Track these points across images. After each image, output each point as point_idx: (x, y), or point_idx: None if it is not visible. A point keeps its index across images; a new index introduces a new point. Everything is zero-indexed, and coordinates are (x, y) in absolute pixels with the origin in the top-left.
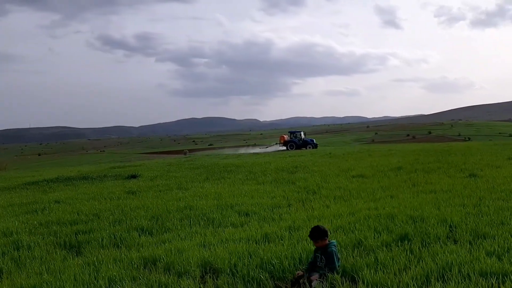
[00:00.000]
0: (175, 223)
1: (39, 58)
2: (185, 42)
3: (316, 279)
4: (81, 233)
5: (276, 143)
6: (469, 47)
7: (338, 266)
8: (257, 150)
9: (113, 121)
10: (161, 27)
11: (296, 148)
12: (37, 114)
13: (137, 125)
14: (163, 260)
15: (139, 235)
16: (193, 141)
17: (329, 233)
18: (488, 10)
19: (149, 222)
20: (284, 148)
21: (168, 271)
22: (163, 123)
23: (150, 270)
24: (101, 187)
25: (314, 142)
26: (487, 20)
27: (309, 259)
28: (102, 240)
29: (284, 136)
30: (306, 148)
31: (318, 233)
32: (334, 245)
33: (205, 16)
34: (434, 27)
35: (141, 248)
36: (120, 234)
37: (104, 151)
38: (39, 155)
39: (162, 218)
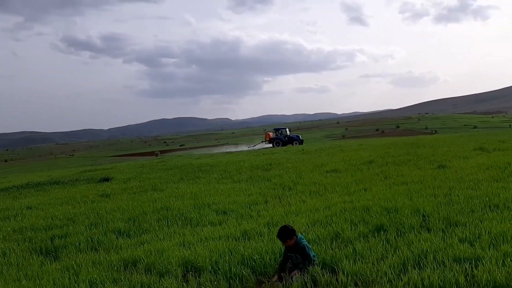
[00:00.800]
0: (153, 224)
1: (2, 61)
2: (152, 42)
3: (296, 274)
4: (57, 238)
5: (262, 141)
6: (433, 42)
7: (314, 256)
8: (244, 148)
9: (81, 124)
10: (127, 27)
11: (282, 145)
12: (1, 119)
13: (106, 128)
14: (144, 261)
15: (116, 237)
16: (164, 142)
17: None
18: (450, 5)
19: (126, 224)
20: (270, 145)
21: (149, 272)
22: (133, 124)
23: (131, 271)
24: (73, 191)
25: (300, 138)
26: (449, 15)
27: (279, 261)
28: (79, 244)
29: (270, 133)
30: (293, 144)
31: (287, 233)
32: (303, 239)
33: (172, 15)
34: (399, 23)
35: (120, 250)
36: (97, 237)
37: (73, 155)
38: (5, 161)
39: (139, 220)
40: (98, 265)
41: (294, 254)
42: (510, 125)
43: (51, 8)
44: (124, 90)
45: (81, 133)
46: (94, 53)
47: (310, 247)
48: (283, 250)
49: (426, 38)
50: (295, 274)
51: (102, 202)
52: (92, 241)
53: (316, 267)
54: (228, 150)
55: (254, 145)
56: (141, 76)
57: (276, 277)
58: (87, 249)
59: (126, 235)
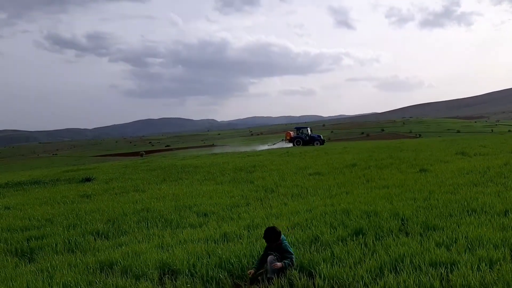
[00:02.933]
0: (132, 225)
1: None
2: (138, 42)
3: (277, 265)
4: (33, 239)
5: (282, 140)
6: (418, 47)
7: (292, 253)
8: (265, 147)
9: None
10: (113, 26)
11: (303, 144)
12: None
13: (91, 127)
14: (120, 263)
15: (94, 239)
16: (150, 142)
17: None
18: (435, 11)
19: (105, 226)
20: (291, 144)
21: (126, 274)
22: (118, 124)
23: (107, 274)
24: (53, 191)
25: (322, 138)
26: (434, 20)
27: (258, 257)
28: (56, 245)
29: (290, 132)
30: (314, 144)
31: (274, 235)
32: (285, 239)
33: (159, 15)
34: (385, 27)
35: (97, 252)
36: (75, 238)
37: (56, 154)
38: None
39: (118, 221)
40: (73, 268)
41: (275, 253)
42: (492, 130)
43: (36, 5)
44: (109, 89)
45: (65, 132)
46: (80, 52)
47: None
48: (262, 251)
49: (412, 42)
50: (276, 265)
51: (82, 202)
52: (69, 242)
53: (293, 270)
54: (243, 150)
55: (274, 144)
56: (127, 76)
57: (252, 272)
58: (64, 250)
59: (105, 237)
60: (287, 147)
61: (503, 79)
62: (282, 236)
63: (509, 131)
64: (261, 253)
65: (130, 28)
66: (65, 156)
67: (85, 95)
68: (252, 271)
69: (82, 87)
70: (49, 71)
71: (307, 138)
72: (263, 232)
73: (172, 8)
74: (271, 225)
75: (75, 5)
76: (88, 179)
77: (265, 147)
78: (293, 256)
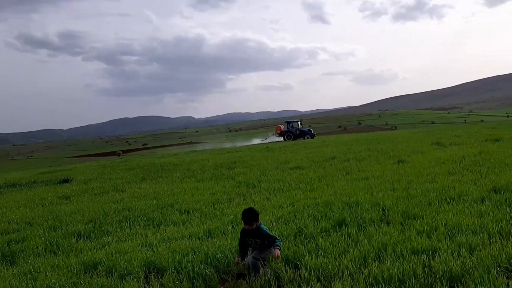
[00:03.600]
0: (114, 225)
1: None
2: (112, 40)
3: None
4: (14, 242)
5: (273, 134)
6: (392, 40)
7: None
8: (256, 142)
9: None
10: (86, 24)
11: (293, 139)
12: None
13: (66, 128)
14: (104, 263)
15: (76, 240)
16: (127, 141)
17: None
18: (408, 4)
19: (86, 226)
20: (281, 138)
21: (111, 274)
22: (94, 124)
23: (91, 274)
24: (31, 193)
25: (312, 132)
26: (407, 14)
27: (237, 246)
28: (37, 248)
29: (281, 126)
30: (304, 138)
31: (253, 215)
32: (262, 224)
33: (132, 12)
34: (359, 21)
35: (80, 253)
36: (56, 240)
37: (31, 156)
38: None
39: (100, 222)
40: (57, 269)
41: (254, 240)
42: (465, 120)
43: (5, 5)
44: (84, 89)
45: (39, 134)
46: (52, 51)
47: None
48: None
49: (386, 36)
50: (277, 254)
51: (62, 204)
52: (51, 244)
53: (279, 263)
54: (240, 145)
55: (266, 138)
56: (101, 75)
57: (239, 259)
58: (46, 253)
59: (87, 238)
60: (278, 141)
61: (474, 70)
62: (260, 221)
63: (482, 120)
64: (239, 239)
65: (103, 26)
66: (40, 158)
67: (59, 95)
68: (239, 258)
69: (56, 87)
70: (22, 71)
71: (298, 132)
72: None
73: (146, 4)
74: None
75: (46, 4)
76: (66, 180)
77: (257, 141)
78: (274, 237)
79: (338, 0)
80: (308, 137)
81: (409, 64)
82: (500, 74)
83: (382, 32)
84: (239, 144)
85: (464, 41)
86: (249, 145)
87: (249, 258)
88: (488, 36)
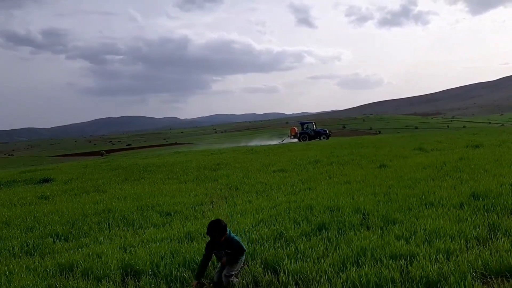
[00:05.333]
0: (93, 226)
1: None
2: (96, 39)
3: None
4: None
5: (289, 136)
6: (378, 45)
7: (244, 249)
8: (275, 142)
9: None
10: (70, 22)
11: (309, 139)
12: None
13: (48, 127)
14: (81, 265)
15: (54, 241)
16: (110, 141)
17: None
18: (393, 10)
19: (64, 227)
20: (296, 140)
21: (87, 276)
22: (77, 123)
23: (67, 276)
24: (10, 193)
25: (327, 132)
26: (393, 19)
27: (199, 263)
28: (13, 248)
29: (295, 128)
30: (320, 139)
31: (220, 229)
32: (231, 233)
33: (117, 11)
34: (345, 25)
35: (56, 255)
36: (33, 241)
37: (13, 155)
38: None
39: (78, 223)
40: (32, 271)
41: (224, 251)
42: (448, 126)
43: None
44: (67, 87)
45: (21, 132)
46: (35, 49)
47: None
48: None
49: (371, 41)
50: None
51: (41, 204)
52: (27, 245)
53: (258, 267)
54: (253, 144)
55: (283, 140)
56: (85, 73)
57: (195, 283)
58: (22, 254)
59: (64, 239)
60: (293, 143)
61: (458, 76)
62: (229, 230)
63: (464, 127)
64: (204, 253)
65: (87, 24)
66: (22, 157)
67: (42, 93)
68: (195, 282)
69: (38, 85)
70: (3, 68)
71: (313, 133)
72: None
73: (131, 3)
74: (236, 223)
75: (29, 0)
76: (46, 180)
77: (274, 142)
78: (243, 256)
79: (325, 4)
80: (324, 138)
81: (394, 70)
82: (482, 81)
83: (368, 37)
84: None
85: (448, 48)
86: (263, 145)
87: (219, 276)
88: (471, 44)
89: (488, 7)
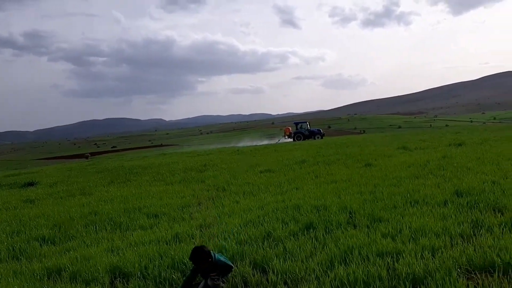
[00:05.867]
0: (80, 230)
1: None
2: (80, 40)
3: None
4: None
5: (283, 136)
6: (361, 45)
7: (232, 266)
8: (265, 142)
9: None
10: (53, 24)
11: (303, 139)
12: None
13: (32, 129)
14: (69, 269)
15: (40, 245)
16: (95, 143)
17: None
18: (376, 11)
19: (50, 231)
20: (290, 140)
21: (75, 280)
22: (62, 126)
23: (55, 280)
24: None
25: (321, 132)
26: (376, 20)
27: (183, 282)
28: None
29: (289, 127)
30: (314, 138)
31: (203, 256)
32: (216, 255)
33: (100, 13)
34: (329, 26)
35: (43, 259)
36: (19, 245)
37: None
38: None
39: (65, 226)
40: (19, 275)
41: (208, 274)
42: (430, 125)
43: None
44: (50, 89)
45: (4, 135)
46: (17, 51)
47: (226, 258)
48: (216, 252)
49: (355, 41)
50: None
51: (26, 208)
52: (13, 249)
53: (246, 267)
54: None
55: (279, 140)
56: (69, 76)
57: None
58: (8, 258)
59: (51, 243)
60: (288, 142)
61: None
62: (214, 254)
63: (447, 125)
64: (188, 275)
65: (70, 26)
66: (6, 160)
67: (25, 96)
68: None
69: (21, 88)
70: None
71: (307, 132)
72: (216, 230)
73: (114, 5)
74: (224, 224)
75: (10, 2)
76: (31, 184)
77: (266, 142)
78: (231, 267)
79: (309, 5)
80: (318, 137)
81: (377, 70)
82: (464, 80)
83: (351, 37)
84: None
85: (430, 48)
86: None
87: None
88: (452, 44)
89: (469, 8)
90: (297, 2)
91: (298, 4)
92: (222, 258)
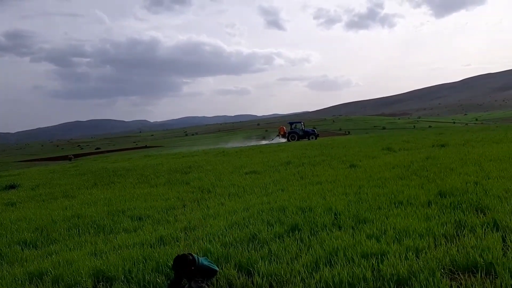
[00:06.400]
0: (62, 233)
1: None
2: (62, 41)
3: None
4: None
5: (277, 135)
6: (346, 47)
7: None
8: (253, 143)
9: None
10: (35, 24)
11: (298, 139)
12: None
13: (13, 131)
14: (51, 273)
15: (22, 249)
16: (79, 145)
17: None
18: (360, 12)
19: (32, 235)
20: (285, 140)
21: (57, 284)
22: (44, 127)
23: (37, 284)
24: None
25: (316, 132)
26: (360, 22)
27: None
28: None
29: (283, 127)
30: (309, 139)
31: (187, 264)
32: (200, 260)
33: (83, 12)
34: (314, 28)
35: (25, 263)
36: (0, 249)
37: None
38: None
39: (47, 229)
40: (0, 280)
41: (193, 277)
42: (414, 126)
43: None
44: (33, 90)
45: None
46: None
47: (211, 262)
48: (200, 255)
49: (339, 43)
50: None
51: (7, 211)
52: None
53: (232, 270)
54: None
55: (272, 139)
56: (51, 76)
57: None
58: None
59: (33, 246)
60: (282, 143)
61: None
62: (198, 257)
63: (430, 126)
64: (172, 279)
65: (53, 26)
66: None
67: (6, 97)
68: None
69: (3, 89)
70: None
71: (302, 132)
72: (200, 233)
73: (97, 5)
74: (209, 226)
75: None
76: (12, 186)
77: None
78: (216, 270)
79: (294, 7)
80: (312, 138)
81: (362, 71)
82: (446, 82)
83: (336, 39)
84: (230, 145)
85: (414, 50)
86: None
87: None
88: (435, 46)
89: (451, 10)
90: (282, 3)
91: (283, 6)
92: (206, 262)
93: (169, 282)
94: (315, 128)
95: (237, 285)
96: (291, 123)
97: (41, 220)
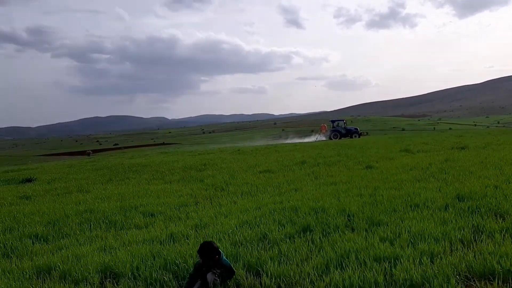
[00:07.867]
0: (74, 228)
1: None
2: (83, 37)
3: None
4: None
5: (318, 134)
6: (366, 47)
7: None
8: (306, 140)
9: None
10: (56, 20)
11: (340, 138)
12: None
13: (34, 126)
14: (59, 268)
15: (32, 242)
16: (97, 141)
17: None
18: (381, 12)
19: (44, 229)
20: (325, 138)
21: (64, 280)
22: (64, 122)
23: (44, 279)
24: None
25: (358, 130)
26: (381, 22)
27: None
28: None
29: (325, 125)
30: (352, 137)
31: (213, 251)
32: (223, 255)
33: (104, 9)
34: (333, 27)
35: (34, 257)
36: (11, 242)
37: None
38: None
39: (59, 223)
40: (8, 274)
41: (214, 269)
42: (434, 128)
43: None
44: (53, 86)
45: (6, 131)
46: (20, 46)
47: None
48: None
49: (359, 42)
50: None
51: (21, 204)
52: (5, 247)
53: (240, 270)
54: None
55: (316, 139)
56: (72, 72)
57: None
58: None
59: (44, 240)
60: (323, 141)
61: (445, 79)
62: (222, 252)
63: (450, 128)
64: (191, 272)
65: (74, 22)
66: (6, 156)
67: (28, 92)
68: None
69: (24, 84)
70: None
71: (344, 131)
72: (211, 231)
73: (118, 2)
74: (220, 224)
75: None
76: (29, 180)
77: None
78: (233, 272)
79: (314, 5)
80: (356, 136)
81: (381, 71)
82: (468, 84)
83: (356, 38)
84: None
85: (435, 51)
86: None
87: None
88: (457, 47)
89: (475, 11)
90: (302, 2)
91: (303, 4)
92: (227, 261)
93: (188, 276)
94: (357, 127)
95: (245, 286)
96: (333, 121)
97: (54, 214)
